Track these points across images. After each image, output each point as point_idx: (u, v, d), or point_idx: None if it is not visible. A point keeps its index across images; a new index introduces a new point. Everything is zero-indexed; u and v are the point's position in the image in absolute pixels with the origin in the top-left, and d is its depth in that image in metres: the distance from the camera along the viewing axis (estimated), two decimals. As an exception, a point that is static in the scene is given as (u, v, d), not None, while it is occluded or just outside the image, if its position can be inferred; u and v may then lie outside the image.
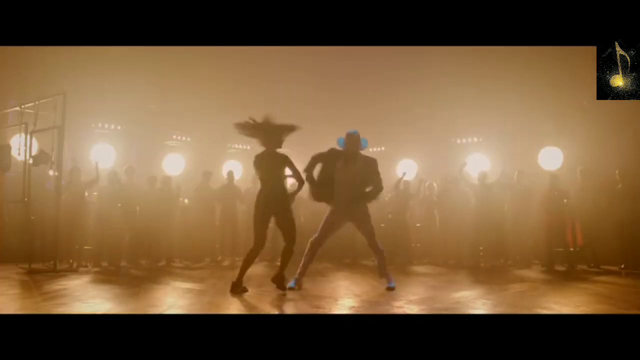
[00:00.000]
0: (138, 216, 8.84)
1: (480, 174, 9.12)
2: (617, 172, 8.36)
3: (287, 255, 5.07)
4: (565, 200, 8.60)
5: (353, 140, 5.35)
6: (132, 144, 10.60)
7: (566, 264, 8.30)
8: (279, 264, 5.12)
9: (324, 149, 5.43)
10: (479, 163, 10.46)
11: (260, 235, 5.02)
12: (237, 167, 11.77)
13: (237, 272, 4.97)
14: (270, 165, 5.05)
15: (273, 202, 4.98)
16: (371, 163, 5.38)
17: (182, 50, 9.24)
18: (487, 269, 8.23)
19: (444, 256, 9.36)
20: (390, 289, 5.23)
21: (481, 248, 8.91)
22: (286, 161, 5.03)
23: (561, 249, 8.48)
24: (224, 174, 10.61)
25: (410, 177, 10.34)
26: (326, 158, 5.39)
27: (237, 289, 4.85)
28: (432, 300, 4.68)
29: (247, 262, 5.00)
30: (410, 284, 6.22)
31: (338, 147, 5.45)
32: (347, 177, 5.28)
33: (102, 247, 8.39)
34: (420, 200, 9.92)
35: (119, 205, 8.58)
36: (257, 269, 7.71)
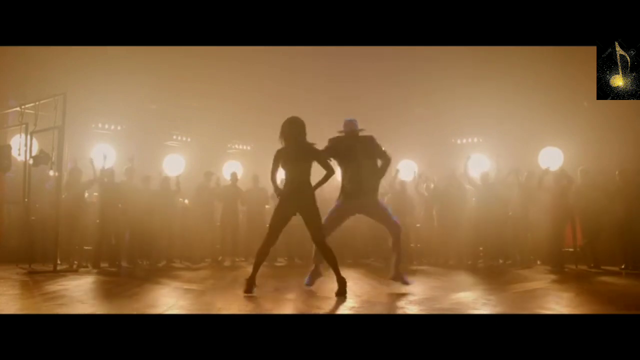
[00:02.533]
0: (138, 216, 8.83)
1: (482, 174, 9.12)
2: (617, 172, 8.36)
3: (327, 256, 4.83)
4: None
5: (350, 125, 5.27)
6: (132, 144, 10.59)
7: (567, 264, 8.31)
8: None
9: (320, 148, 5.31)
10: (479, 163, 10.45)
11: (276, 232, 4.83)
12: (237, 168, 11.77)
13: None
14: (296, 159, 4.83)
15: (298, 199, 4.77)
16: (369, 140, 5.24)
17: (182, 51, 9.25)
18: (487, 269, 8.22)
19: (444, 256, 9.36)
20: (406, 283, 5.17)
21: (481, 248, 8.91)
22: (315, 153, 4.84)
23: (571, 249, 8.52)
24: (225, 174, 10.61)
25: (409, 177, 10.32)
26: (333, 145, 5.21)
27: (251, 287, 4.70)
28: (432, 300, 4.68)
29: (259, 261, 4.82)
30: (410, 284, 6.21)
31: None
32: (352, 161, 5.13)
33: (101, 247, 8.37)
34: (420, 200, 9.90)
35: (120, 205, 8.57)
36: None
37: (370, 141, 5.27)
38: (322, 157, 4.86)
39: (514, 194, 8.99)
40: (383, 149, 5.30)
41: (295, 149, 4.79)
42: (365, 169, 5.14)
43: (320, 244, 4.82)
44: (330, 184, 5.28)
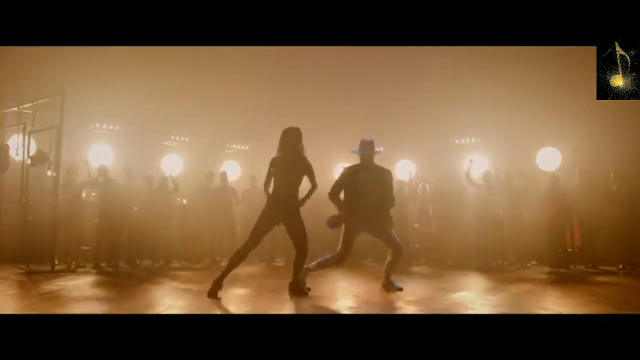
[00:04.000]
0: (136, 216, 8.81)
1: (485, 174, 9.10)
2: (611, 173, 8.37)
3: (299, 264, 4.90)
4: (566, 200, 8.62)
5: (369, 147, 5.23)
6: (130, 144, 10.56)
7: (564, 265, 8.31)
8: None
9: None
10: (480, 164, 10.43)
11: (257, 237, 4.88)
12: (236, 168, 11.75)
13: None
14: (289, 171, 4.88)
15: (284, 209, 4.82)
16: (386, 175, 5.25)
17: (181, 51, 9.23)
18: (485, 269, 8.22)
19: (442, 256, 9.34)
20: (399, 289, 5.09)
21: (480, 248, 8.89)
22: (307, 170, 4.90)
23: (569, 249, 8.53)
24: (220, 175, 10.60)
25: (407, 177, 10.33)
26: (347, 180, 5.19)
27: (217, 288, 4.66)
28: (431, 300, 4.68)
29: (234, 262, 4.82)
30: (409, 285, 6.21)
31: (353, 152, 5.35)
32: (366, 189, 5.10)
33: (99, 247, 8.36)
34: (417, 201, 9.90)
35: (116, 205, 8.55)
36: (256, 269, 7.70)
37: (388, 176, 5.26)
38: (311, 172, 4.88)
39: (504, 196, 8.98)
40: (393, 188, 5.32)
41: (288, 160, 4.83)
42: (372, 199, 5.10)
43: (302, 252, 4.88)
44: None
